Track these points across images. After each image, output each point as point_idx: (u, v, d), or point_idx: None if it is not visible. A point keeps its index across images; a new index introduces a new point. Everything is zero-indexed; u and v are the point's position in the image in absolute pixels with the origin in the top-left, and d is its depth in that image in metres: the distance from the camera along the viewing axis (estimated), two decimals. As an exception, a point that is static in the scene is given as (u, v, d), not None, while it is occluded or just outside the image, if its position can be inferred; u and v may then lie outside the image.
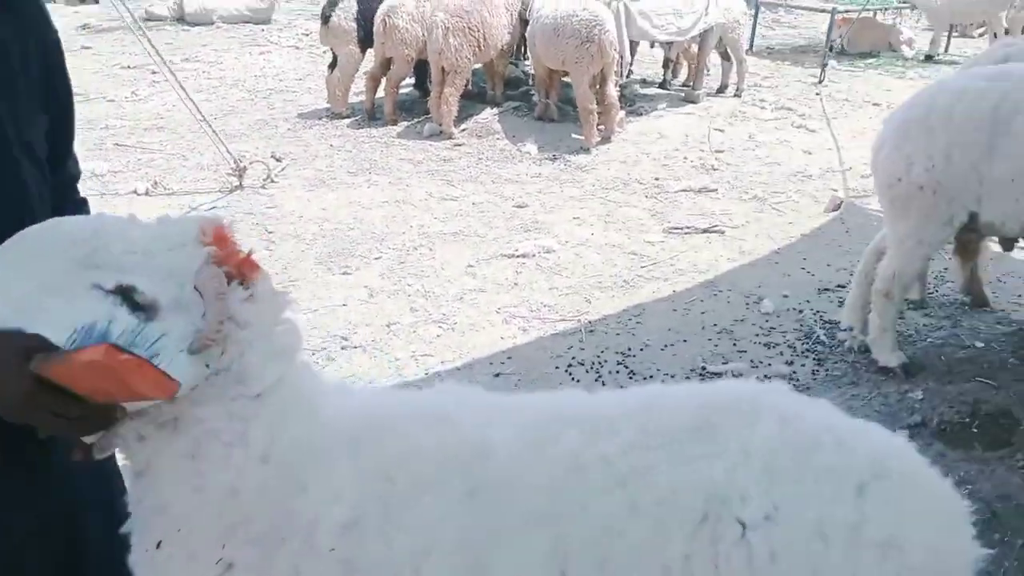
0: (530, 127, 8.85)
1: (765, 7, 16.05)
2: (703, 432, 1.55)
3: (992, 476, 3.40)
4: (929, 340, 4.62)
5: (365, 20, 8.70)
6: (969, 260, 4.93)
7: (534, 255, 5.87)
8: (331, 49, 9.19)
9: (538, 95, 9.08)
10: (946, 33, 13.35)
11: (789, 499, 1.46)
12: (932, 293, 5.21)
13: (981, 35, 13.91)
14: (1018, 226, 3.74)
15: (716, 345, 4.69)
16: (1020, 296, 5.19)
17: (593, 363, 4.49)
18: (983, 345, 4.46)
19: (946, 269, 5.37)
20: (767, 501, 1.46)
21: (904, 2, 13.35)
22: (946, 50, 13.42)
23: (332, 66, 9.17)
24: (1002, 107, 3.63)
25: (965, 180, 3.76)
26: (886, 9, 13.84)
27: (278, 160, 7.64)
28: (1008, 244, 4.31)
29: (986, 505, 3.24)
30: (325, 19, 8.87)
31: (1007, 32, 12.95)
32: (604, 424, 1.56)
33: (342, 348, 4.54)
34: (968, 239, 4.63)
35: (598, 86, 8.20)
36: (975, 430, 3.71)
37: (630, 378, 4.36)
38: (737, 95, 10.38)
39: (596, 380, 4.33)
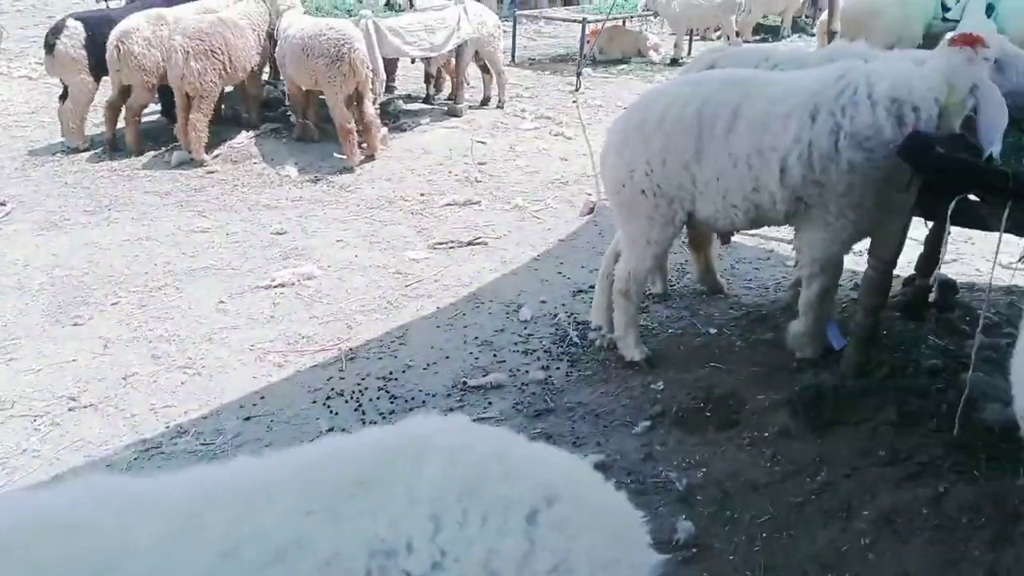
0: (290, 149, 8.57)
1: (525, 19, 16.65)
2: (368, 484, 1.48)
3: (723, 456, 3.63)
4: (670, 331, 4.89)
5: (95, 47, 8.04)
6: (702, 251, 5.29)
7: (293, 284, 5.65)
8: (61, 79, 8.42)
9: (295, 115, 8.82)
10: (687, 37, 14.42)
11: (455, 541, 1.42)
12: (674, 286, 5.54)
13: (718, 38, 15.14)
14: (728, 221, 4.03)
15: (477, 359, 4.72)
16: (750, 281, 5.64)
17: (353, 392, 4.36)
18: (716, 331, 4.78)
19: (687, 261, 5.73)
20: (433, 547, 1.42)
21: (647, 10, 14.26)
22: (688, 53, 14.49)
23: (64, 97, 8.40)
24: (704, 111, 3.89)
25: (680, 182, 4.00)
26: (632, 16, 14.73)
27: (2, 204, 6.88)
28: (725, 237, 4.65)
29: (718, 485, 3.46)
30: (49, 47, 8.11)
31: (738, 34, 14.19)
32: (261, 494, 1.46)
33: (69, 410, 4.11)
34: (697, 233, 4.97)
35: (356, 104, 8.07)
36: (708, 413, 3.95)
37: (391, 403, 4.28)
38: (500, 107, 10.62)
39: (356, 410, 4.21)
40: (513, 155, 8.84)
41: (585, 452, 3.66)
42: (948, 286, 4.64)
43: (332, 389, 4.39)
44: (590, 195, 7.43)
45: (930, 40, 9.96)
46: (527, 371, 4.54)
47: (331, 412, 4.17)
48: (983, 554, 2.93)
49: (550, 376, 4.47)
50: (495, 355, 4.76)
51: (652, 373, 4.36)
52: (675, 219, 4.14)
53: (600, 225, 6.79)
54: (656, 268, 4.85)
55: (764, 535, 3.18)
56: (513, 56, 14.14)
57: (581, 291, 5.58)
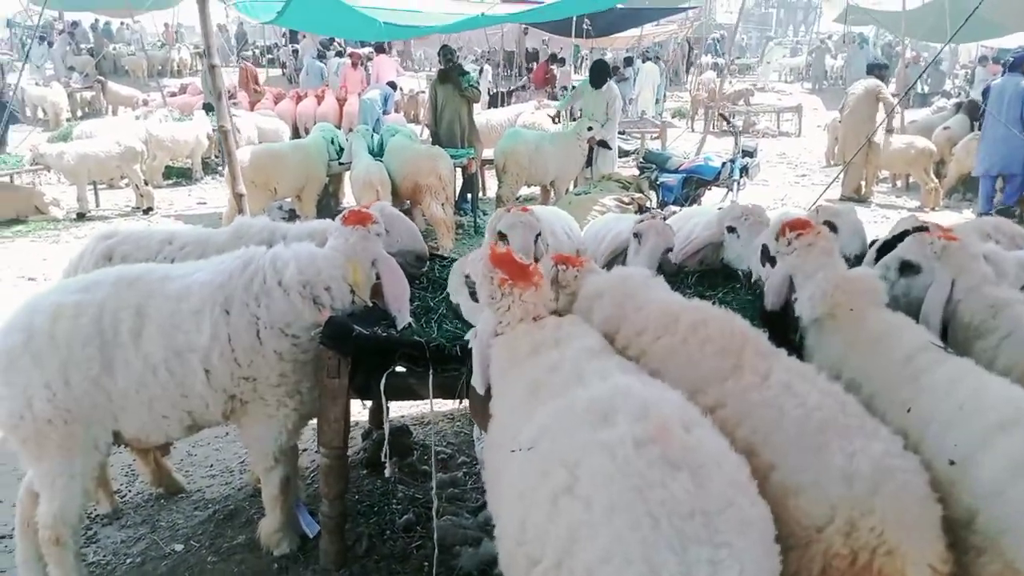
0: None
1: None
2: None
3: None
4: (129, 561, 4.13)
5: None
6: (148, 451, 4.64)
7: None
8: None
9: None
10: (90, 188, 13.28)
11: None
12: (124, 496, 4.76)
13: (126, 186, 14.22)
14: (161, 433, 3.55)
15: None
16: (212, 466, 5.12)
17: None
18: (183, 547, 4.17)
19: (136, 459, 4.98)
20: None
21: (36, 164, 12.79)
22: (97, 204, 13.37)
23: None
24: (104, 319, 3.38)
25: (93, 401, 3.40)
26: (19, 172, 13.10)
27: None
28: (164, 448, 4.13)
29: None
30: None
31: (147, 183, 13.45)
32: None
33: None
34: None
35: None
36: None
37: None
38: None
39: None
40: None
41: None
42: (402, 430, 4.78)
43: None
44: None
45: (333, 179, 10.83)
46: None
47: None
48: None
49: None
50: None
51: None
52: (99, 444, 3.50)
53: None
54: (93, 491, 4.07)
55: None
56: None
57: (4, 537, 4.45)
